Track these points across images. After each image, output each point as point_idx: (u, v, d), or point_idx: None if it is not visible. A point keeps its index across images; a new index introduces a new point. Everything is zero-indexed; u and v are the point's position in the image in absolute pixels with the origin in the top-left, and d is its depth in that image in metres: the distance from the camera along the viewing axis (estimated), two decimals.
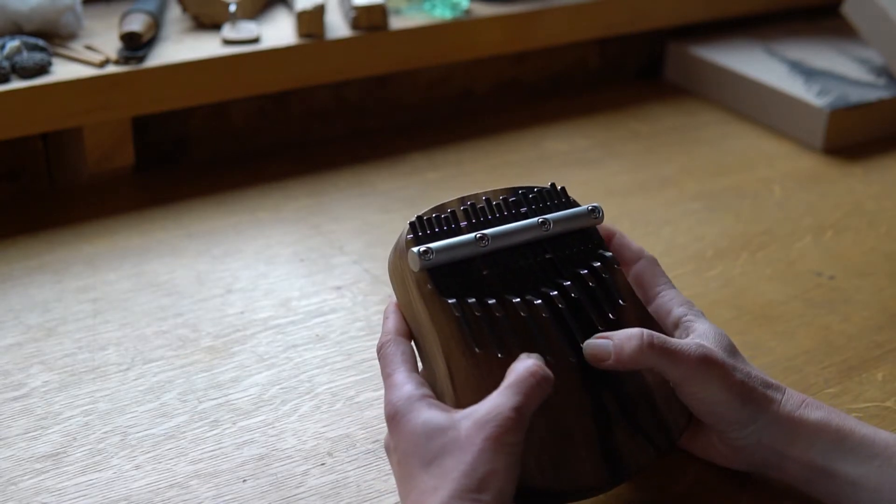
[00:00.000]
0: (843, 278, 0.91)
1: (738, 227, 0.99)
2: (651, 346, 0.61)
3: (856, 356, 0.81)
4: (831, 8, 1.38)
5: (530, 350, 0.61)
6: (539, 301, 0.62)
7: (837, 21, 1.35)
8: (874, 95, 1.17)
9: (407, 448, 0.57)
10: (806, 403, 0.63)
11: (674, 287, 0.69)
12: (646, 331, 0.61)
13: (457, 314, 0.61)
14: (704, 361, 0.61)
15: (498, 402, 0.56)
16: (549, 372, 0.58)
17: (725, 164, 1.12)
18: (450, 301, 0.61)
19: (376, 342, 0.79)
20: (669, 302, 0.67)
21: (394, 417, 0.58)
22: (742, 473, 0.67)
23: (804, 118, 1.15)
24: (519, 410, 0.56)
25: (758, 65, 1.24)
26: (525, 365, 0.58)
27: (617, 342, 0.61)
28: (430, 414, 0.57)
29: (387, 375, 0.61)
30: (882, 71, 1.23)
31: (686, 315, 0.66)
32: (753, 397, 0.62)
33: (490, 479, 0.54)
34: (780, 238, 0.97)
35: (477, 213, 0.65)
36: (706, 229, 0.98)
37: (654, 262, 0.69)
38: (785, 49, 1.29)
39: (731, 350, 0.64)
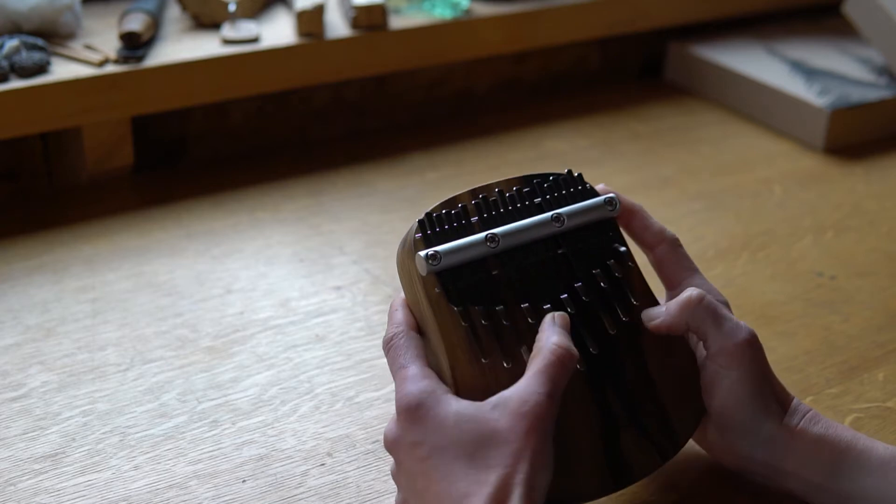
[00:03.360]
0: (844, 278, 0.91)
1: (739, 227, 0.99)
2: (700, 301, 0.61)
3: (857, 356, 0.80)
4: (832, 7, 1.38)
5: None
6: (548, 306, 0.62)
7: (838, 20, 1.35)
8: (875, 95, 1.16)
9: (439, 441, 0.55)
10: (806, 418, 0.62)
11: (699, 273, 0.67)
12: (697, 288, 0.62)
13: (464, 324, 0.60)
14: (752, 344, 0.61)
15: (530, 389, 0.55)
16: (573, 349, 0.58)
17: (726, 163, 1.12)
18: (456, 309, 0.60)
19: (376, 342, 0.79)
20: None
21: (417, 410, 0.57)
22: (739, 479, 0.66)
23: (805, 118, 1.15)
24: (552, 397, 0.56)
25: (759, 64, 1.24)
26: (549, 347, 0.57)
27: (669, 305, 0.62)
28: (461, 405, 0.56)
29: (400, 367, 0.60)
30: (883, 70, 1.23)
31: None
32: (766, 408, 0.61)
33: (538, 468, 0.54)
34: (780, 238, 0.97)
35: (489, 206, 0.63)
36: (707, 229, 0.98)
37: (676, 244, 0.68)
38: (786, 49, 1.29)
39: None
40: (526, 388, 0.56)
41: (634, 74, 1.35)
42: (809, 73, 1.21)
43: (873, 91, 1.17)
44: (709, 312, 0.61)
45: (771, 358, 0.79)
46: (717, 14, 1.31)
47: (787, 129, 1.18)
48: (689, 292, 0.62)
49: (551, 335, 0.58)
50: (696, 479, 0.67)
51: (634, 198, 1.02)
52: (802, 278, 0.91)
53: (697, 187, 1.06)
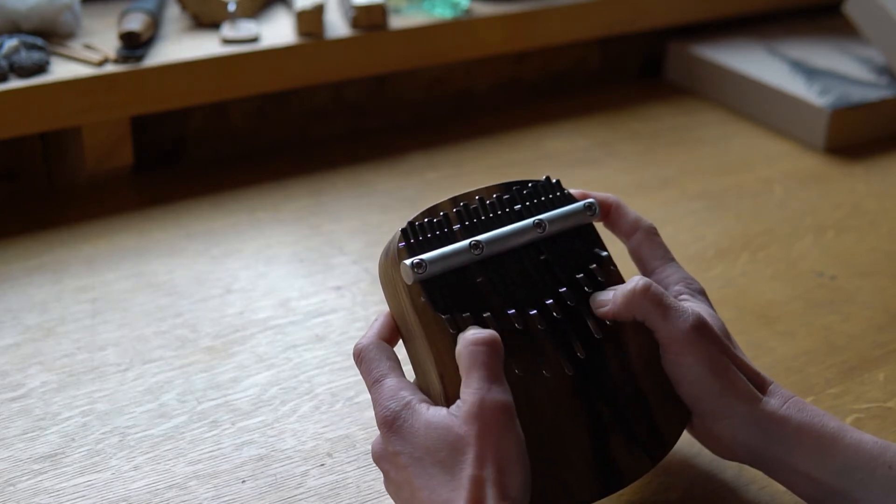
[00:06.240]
0: (844, 278, 0.91)
1: (739, 227, 0.99)
2: (645, 292, 0.60)
3: (857, 356, 0.80)
4: (833, 7, 1.38)
5: (526, 364, 0.60)
6: (534, 312, 0.62)
7: (839, 20, 1.35)
8: (876, 95, 1.16)
9: (415, 451, 0.56)
10: (789, 404, 0.61)
11: (672, 261, 0.67)
12: (644, 278, 0.61)
13: (452, 331, 0.60)
14: (698, 328, 0.60)
15: (470, 390, 0.56)
16: (488, 332, 0.57)
17: (726, 163, 1.11)
18: (444, 317, 0.60)
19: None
20: (666, 279, 0.66)
21: (394, 422, 0.58)
22: (738, 480, 0.66)
23: (805, 118, 1.15)
24: (490, 382, 0.55)
25: (759, 64, 1.23)
26: (466, 341, 0.57)
27: (617, 293, 0.62)
28: (430, 414, 0.57)
29: (375, 380, 0.60)
30: (884, 70, 1.23)
31: (682, 294, 0.65)
32: (733, 388, 0.60)
33: (505, 465, 0.54)
34: (781, 238, 0.97)
35: (470, 213, 0.64)
36: (707, 229, 0.98)
37: (651, 232, 0.68)
38: (786, 48, 1.29)
39: (725, 334, 0.63)
40: (466, 390, 0.56)
41: (634, 74, 1.35)
42: (810, 72, 1.21)
43: (874, 91, 1.17)
44: (654, 303, 0.61)
45: (771, 358, 0.79)
46: (717, 14, 1.31)
47: (787, 129, 1.18)
48: (635, 282, 0.61)
49: (463, 335, 0.58)
50: (697, 479, 0.67)
51: (634, 198, 1.03)
52: (803, 278, 0.90)
53: (697, 187, 1.06)
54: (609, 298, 0.62)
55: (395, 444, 0.57)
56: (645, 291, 0.61)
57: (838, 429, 0.60)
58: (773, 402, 0.61)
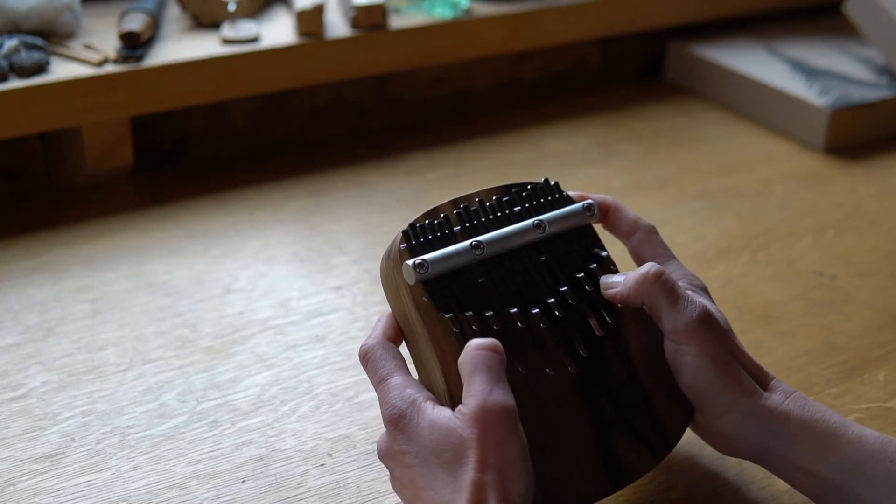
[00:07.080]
0: (844, 278, 0.91)
1: (739, 227, 0.99)
2: (657, 278, 0.61)
3: (857, 356, 0.80)
4: (833, 7, 1.38)
5: (530, 362, 0.60)
6: (536, 310, 0.62)
7: (839, 20, 1.35)
8: (876, 95, 1.16)
9: (420, 450, 0.56)
10: (791, 399, 0.61)
11: (673, 258, 0.68)
12: (657, 265, 0.62)
13: (455, 330, 0.60)
14: (704, 320, 0.61)
15: (472, 392, 0.56)
16: (490, 339, 0.57)
17: (726, 163, 1.11)
18: (447, 316, 0.60)
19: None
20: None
21: (399, 420, 0.58)
22: (740, 479, 0.66)
23: (805, 118, 1.15)
24: (492, 385, 0.55)
25: (759, 64, 1.23)
26: (468, 350, 0.57)
27: (628, 276, 0.62)
28: (434, 414, 0.57)
29: (381, 378, 0.60)
30: (884, 70, 1.23)
31: (685, 289, 0.65)
32: (734, 383, 0.60)
33: (508, 473, 0.54)
34: (781, 238, 0.97)
35: (470, 215, 0.64)
36: (707, 229, 0.98)
37: (651, 231, 0.68)
38: (786, 48, 1.29)
39: (729, 329, 0.63)
40: (468, 394, 0.56)
41: (634, 74, 1.35)
42: (810, 72, 1.21)
43: (874, 91, 1.17)
44: (664, 290, 0.61)
45: (771, 358, 0.79)
46: (717, 14, 1.31)
47: (787, 128, 1.18)
48: (648, 267, 0.62)
49: (466, 345, 0.58)
50: (698, 478, 0.67)
51: (634, 198, 1.03)
52: (803, 278, 0.90)
53: (697, 187, 1.06)
54: (620, 281, 0.62)
55: (400, 442, 0.57)
56: (657, 277, 0.61)
57: (840, 424, 0.60)
58: (774, 398, 0.61)
